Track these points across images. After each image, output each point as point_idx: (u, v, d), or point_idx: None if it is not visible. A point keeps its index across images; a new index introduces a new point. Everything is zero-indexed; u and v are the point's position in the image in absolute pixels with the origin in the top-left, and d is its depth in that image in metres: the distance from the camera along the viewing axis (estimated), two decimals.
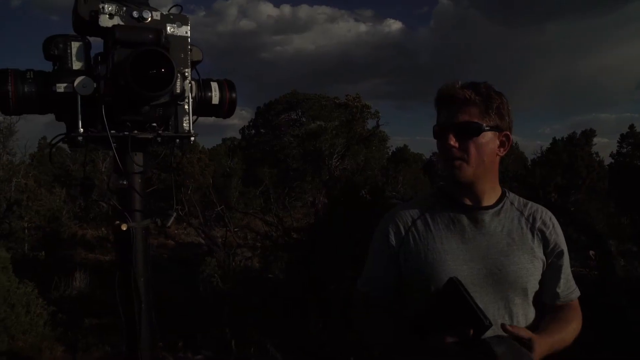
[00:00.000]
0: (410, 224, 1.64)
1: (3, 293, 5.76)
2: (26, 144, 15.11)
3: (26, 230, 10.84)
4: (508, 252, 1.56)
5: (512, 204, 1.65)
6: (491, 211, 1.60)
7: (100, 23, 1.18)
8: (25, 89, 1.14)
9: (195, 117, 1.29)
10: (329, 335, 5.34)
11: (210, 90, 1.33)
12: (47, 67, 1.22)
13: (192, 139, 1.29)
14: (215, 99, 1.34)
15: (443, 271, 1.53)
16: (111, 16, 1.18)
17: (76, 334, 6.48)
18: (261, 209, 10.85)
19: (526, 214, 1.63)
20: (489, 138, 1.54)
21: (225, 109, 1.37)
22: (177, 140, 1.27)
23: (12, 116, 1.23)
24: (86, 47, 1.21)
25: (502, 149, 1.59)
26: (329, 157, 8.56)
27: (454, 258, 1.55)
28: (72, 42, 1.19)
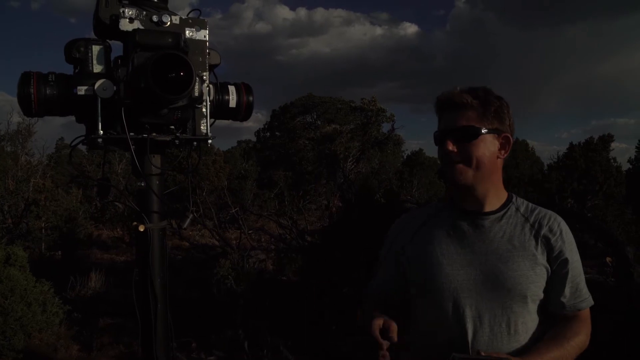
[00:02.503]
0: (416, 229, 1.67)
1: (20, 291, 5.82)
2: (44, 145, 15.34)
3: (43, 230, 10.95)
4: (507, 258, 1.54)
5: (517, 209, 1.63)
6: (493, 217, 1.59)
7: (120, 27, 1.20)
8: (47, 92, 1.16)
9: (212, 120, 1.31)
10: (342, 339, 5.33)
11: (228, 94, 1.35)
12: (68, 69, 1.25)
13: (210, 141, 1.30)
14: (233, 102, 1.35)
15: (440, 276, 1.55)
16: (131, 20, 1.20)
17: (91, 333, 6.53)
18: (275, 212, 10.87)
19: (532, 220, 1.61)
20: (488, 141, 1.55)
21: (243, 112, 1.38)
22: (195, 143, 1.29)
23: (34, 118, 1.25)
24: (106, 51, 1.22)
25: (502, 152, 1.59)
26: (344, 160, 8.57)
27: (451, 263, 1.55)
28: (93, 46, 1.21)
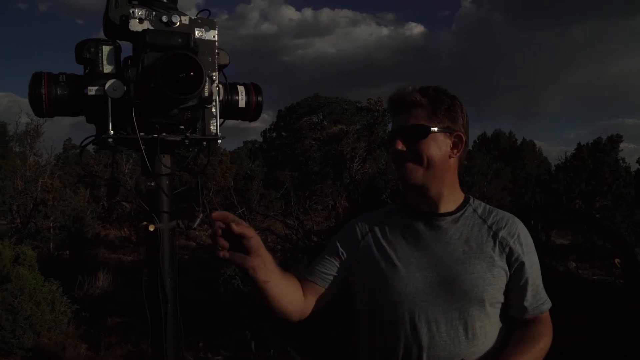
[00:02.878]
0: (367, 230, 1.64)
1: (29, 290, 5.86)
2: (52, 145, 15.43)
3: (51, 230, 11.03)
4: (464, 259, 1.51)
5: (474, 211, 1.61)
6: (449, 218, 1.57)
7: (130, 27, 1.20)
8: (58, 92, 1.17)
9: (222, 120, 1.31)
10: (348, 340, 5.32)
11: (237, 94, 1.35)
12: (78, 70, 1.26)
13: (219, 141, 1.30)
14: (242, 102, 1.35)
15: (395, 278, 1.51)
16: (141, 20, 1.21)
17: (99, 332, 6.56)
18: (282, 212, 10.88)
19: (489, 222, 1.58)
20: (439, 140, 1.53)
21: (252, 112, 1.38)
22: (204, 143, 1.29)
23: (45, 118, 1.26)
24: (116, 51, 1.23)
25: (455, 151, 1.57)
26: (350, 160, 8.56)
27: (407, 265, 1.52)
28: (103, 46, 1.21)
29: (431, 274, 1.50)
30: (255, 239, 1.33)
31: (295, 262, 7.63)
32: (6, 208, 10.82)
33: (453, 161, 1.58)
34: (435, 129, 1.51)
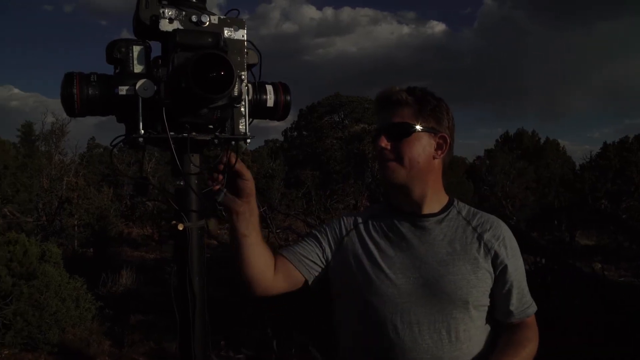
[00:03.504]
0: (352, 227, 1.62)
1: (55, 287, 5.96)
2: (77, 144, 15.66)
3: (76, 228, 11.20)
4: (448, 261, 1.49)
5: (459, 212, 1.60)
6: (433, 219, 1.55)
7: (160, 27, 1.20)
8: (90, 92, 1.18)
9: (250, 119, 1.31)
10: None
11: (266, 93, 1.35)
12: (108, 70, 1.26)
13: (248, 141, 1.30)
14: (270, 102, 1.35)
15: (378, 278, 1.50)
16: (171, 20, 1.21)
17: (122, 329, 6.64)
18: (303, 211, 10.90)
19: (474, 223, 1.57)
20: (423, 140, 1.52)
21: (280, 112, 1.38)
22: (233, 143, 1.30)
23: (71, 118, 1.27)
24: (147, 51, 1.23)
25: (439, 152, 1.56)
26: (372, 159, 8.53)
27: (390, 265, 1.51)
28: (134, 46, 1.22)
29: (414, 275, 1.49)
30: (250, 183, 1.35)
31: None
32: (32, 206, 11.02)
33: (437, 162, 1.57)
34: (420, 127, 1.51)
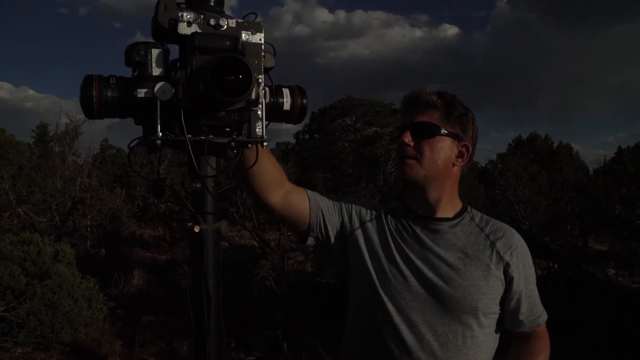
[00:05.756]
0: (375, 215, 1.62)
1: (68, 287, 6.01)
2: (90, 145, 15.79)
3: (89, 228, 11.29)
4: (459, 266, 1.48)
5: (472, 219, 1.59)
6: (446, 224, 1.55)
7: (179, 30, 1.21)
8: (108, 94, 1.18)
9: (267, 122, 1.31)
10: None
11: (282, 96, 1.35)
12: (126, 72, 1.27)
13: (265, 144, 1.31)
14: (287, 105, 1.35)
15: (390, 272, 1.50)
16: (189, 24, 1.22)
17: (134, 329, 6.68)
18: None
19: (487, 231, 1.56)
20: (446, 144, 1.52)
21: (297, 115, 1.38)
22: (250, 145, 1.30)
23: (88, 119, 1.28)
24: (165, 54, 1.24)
25: (459, 160, 1.56)
26: (384, 162, 8.52)
27: (404, 262, 1.50)
28: (153, 49, 1.23)
29: (425, 277, 1.48)
30: None
31: (327, 264, 7.63)
32: (46, 206, 11.12)
33: (456, 170, 1.57)
34: (445, 131, 1.51)
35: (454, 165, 1.55)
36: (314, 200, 1.59)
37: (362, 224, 1.60)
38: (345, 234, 1.61)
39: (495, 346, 1.55)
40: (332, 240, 1.61)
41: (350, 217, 1.62)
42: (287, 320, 6.14)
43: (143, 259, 11.34)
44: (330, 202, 1.64)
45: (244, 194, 8.49)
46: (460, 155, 1.56)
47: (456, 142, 1.54)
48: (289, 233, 8.36)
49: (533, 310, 1.56)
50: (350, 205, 1.65)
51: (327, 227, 1.60)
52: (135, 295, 8.32)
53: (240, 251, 10.26)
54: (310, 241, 1.62)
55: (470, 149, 1.57)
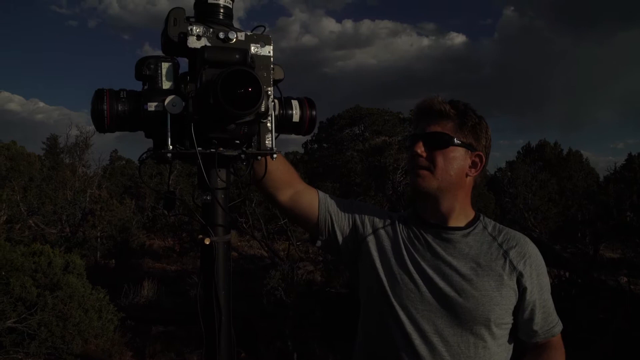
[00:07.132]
0: (388, 222, 1.61)
1: (78, 298, 6.03)
2: (100, 157, 15.89)
3: (99, 239, 11.34)
4: (471, 276, 1.46)
5: (484, 228, 1.56)
6: (459, 233, 1.53)
7: (188, 44, 1.22)
8: (119, 108, 1.20)
9: (276, 134, 1.32)
10: None
11: (291, 108, 1.36)
12: (136, 86, 1.28)
13: (275, 156, 1.31)
14: (296, 117, 1.36)
15: (402, 280, 1.48)
16: (199, 37, 1.23)
17: (144, 340, 6.69)
18: None
19: (500, 240, 1.53)
20: (459, 154, 1.51)
21: (306, 127, 1.39)
22: (259, 157, 1.31)
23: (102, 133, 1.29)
24: (175, 68, 1.25)
25: (473, 170, 1.54)
26: (392, 172, 8.50)
27: (416, 271, 1.48)
28: (163, 63, 1.24)
29: (436, 287, 1.46)
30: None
31: (337, 274, 7.61)
32: (56, 218, 11.18)
33: (469, 180, 1.56)
34: (458, 142, 1.50)
35: (467, 175, 1.54)
36: (324, 203, 1.59)
37: (375, 231, 1.59)
38: (356, 239, 1.60)
39: (509, 357, 1.53)
40: (340, 244, 1.60)
41: (362, 223, 1.61)
42: (297, 330, 6.12)
43: (153, 270, 11.38)
44: (342, 206, 1.63)
45: (253, 205, 8.49)
46: (473, 165, 1.54)
47: (469, 152, 1.52)
48: (298, 243, 8.35)
49: (547, 320, 1.54)
50: (363, 211, 1.64)
51: (335, 231, 1.59)
52: (145, 306, 8.34)
53: (249, 261, 10.27)
54: (318, 243, 1.62)
55: (484, 159, 1.56)
